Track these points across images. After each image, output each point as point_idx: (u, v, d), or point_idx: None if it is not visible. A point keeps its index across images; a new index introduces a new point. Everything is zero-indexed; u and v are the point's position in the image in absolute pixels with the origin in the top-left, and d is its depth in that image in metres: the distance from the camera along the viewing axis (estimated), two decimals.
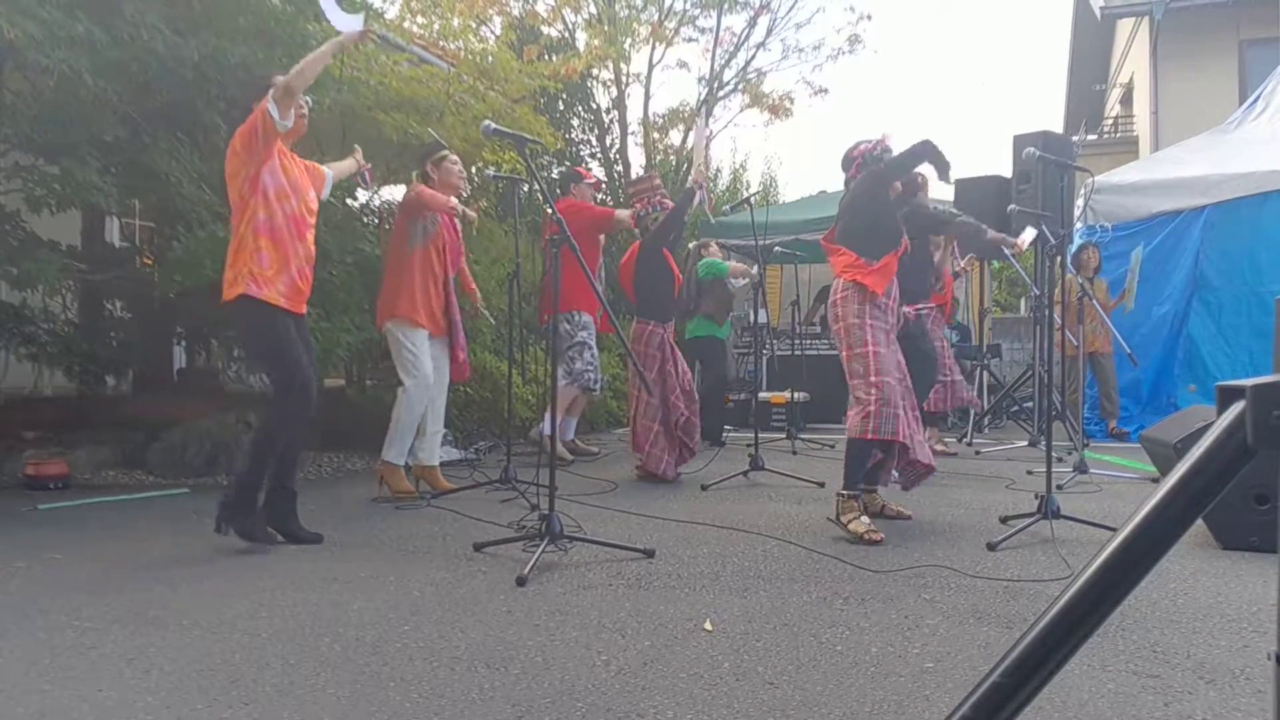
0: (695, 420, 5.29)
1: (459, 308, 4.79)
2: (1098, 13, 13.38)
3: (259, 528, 3.42)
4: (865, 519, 3.60)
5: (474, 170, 7.92)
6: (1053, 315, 4.77)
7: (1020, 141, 6.74)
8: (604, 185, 13.35)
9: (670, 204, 5.43)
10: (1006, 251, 5.86)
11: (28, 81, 4.52)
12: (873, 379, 3.59)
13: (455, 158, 4.79)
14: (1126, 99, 15.59)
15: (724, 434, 7.09)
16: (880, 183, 3.77)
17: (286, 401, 3.45)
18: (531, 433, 5.95)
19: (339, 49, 3.49)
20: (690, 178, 5.89)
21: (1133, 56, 14.52)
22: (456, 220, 4.81)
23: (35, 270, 4.54)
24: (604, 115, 14.08)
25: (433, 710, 1.88)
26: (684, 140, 14.20)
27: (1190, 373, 7.58)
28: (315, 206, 3.66)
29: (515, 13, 12.97)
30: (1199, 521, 3.32)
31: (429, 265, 4.56)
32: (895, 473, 3.98)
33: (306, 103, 3.55)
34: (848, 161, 3.96)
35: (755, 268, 6.34)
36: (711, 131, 5.71)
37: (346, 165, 4.16)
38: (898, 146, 3.80)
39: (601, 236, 6.16)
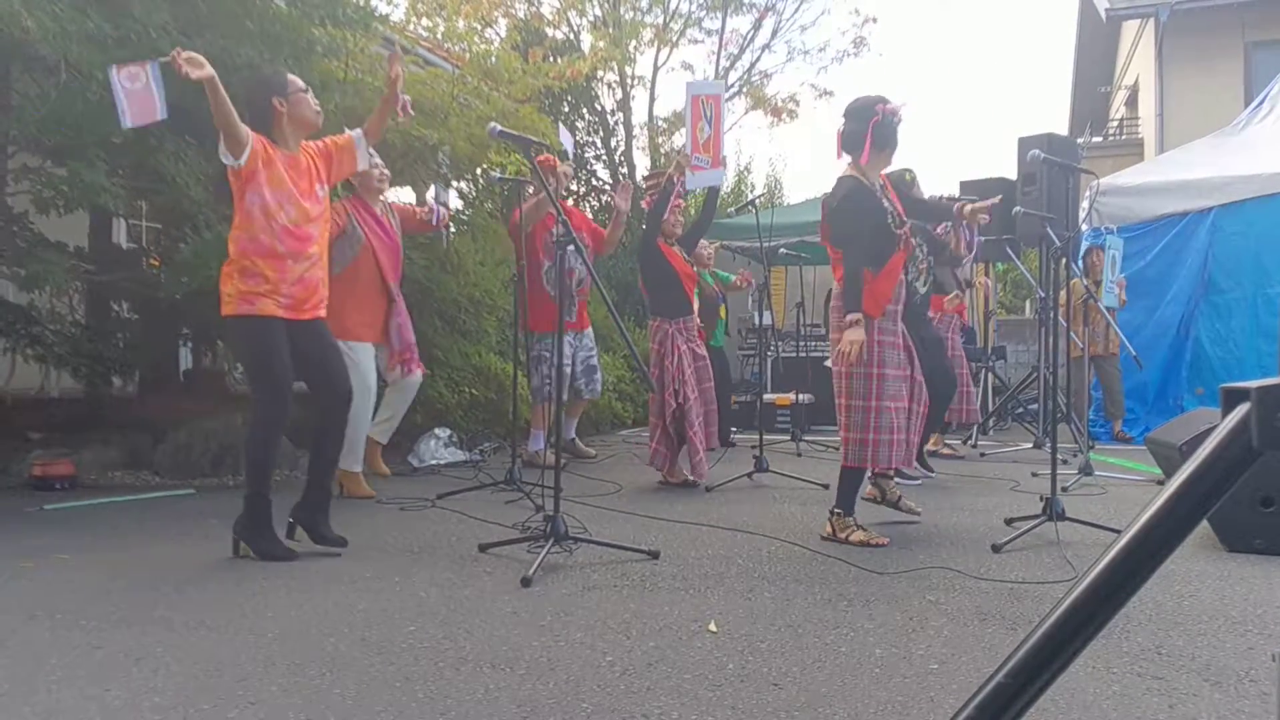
0: (693, 415, 5.02)
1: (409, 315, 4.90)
2: (1103, 14, 13.36)
3: (277, 545, 3.29)
4: (862, 530, 3.53)
5: (479, 172, 7.96)
6: (1057, 317, 4.75)
7: (1025, 143, 6.74)
8: (608, 186, 13.39)
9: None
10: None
11: (35, 83, 4.53)
12: (872, 403, 3.46)
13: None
14: (1132, 101, 15.57)
15: (731, 435, 7.07)
16: (859, 205, 3.45)
17: (268, 411, 3.32)
18: (523, 456, 5.91)
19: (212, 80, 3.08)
20: (677, 159, 5.21)
21: (1138, 58, 14.49)
22: (388, 219, 4.78)
23: (43, 271, 4.55)
24: (608, 117, 14.12)
25: (438, 710, 1.89)
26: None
27: (1197, 375, 7.55)
28: (318, 210, 3.44)
29: (520, 15, 13.02)
30: (1204, 524, 3.31)
31: (359, 278, 4.60)
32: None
33: (315, 103, 3.42)
34: (856, 111, 3.49)
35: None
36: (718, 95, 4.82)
37: (383, 106, 3.68)
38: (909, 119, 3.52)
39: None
